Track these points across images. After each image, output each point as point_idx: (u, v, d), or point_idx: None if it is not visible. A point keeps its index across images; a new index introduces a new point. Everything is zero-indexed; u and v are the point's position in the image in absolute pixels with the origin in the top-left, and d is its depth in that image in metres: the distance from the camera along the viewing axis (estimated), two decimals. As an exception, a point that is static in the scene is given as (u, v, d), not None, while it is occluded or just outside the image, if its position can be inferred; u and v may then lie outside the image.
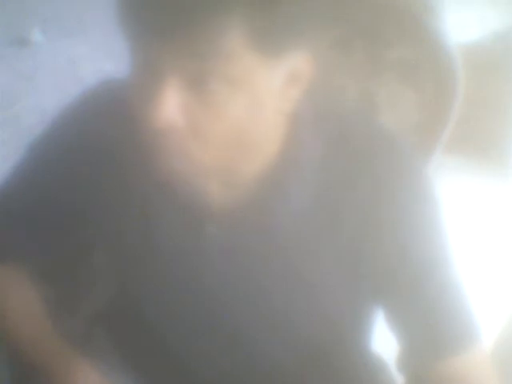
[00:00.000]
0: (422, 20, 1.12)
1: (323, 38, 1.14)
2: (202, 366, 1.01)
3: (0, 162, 1.08)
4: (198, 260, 0.95)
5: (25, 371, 0.98)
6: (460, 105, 1.13)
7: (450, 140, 1.16)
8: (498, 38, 2.08)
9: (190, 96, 0.80)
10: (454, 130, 1.15)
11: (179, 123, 0.80)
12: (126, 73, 0.85)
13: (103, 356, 0.98)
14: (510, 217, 1.87)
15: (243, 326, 0.97)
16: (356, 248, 0.92)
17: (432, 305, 0.93)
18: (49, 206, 1.00)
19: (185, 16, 0.75)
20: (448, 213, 0.96)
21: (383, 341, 1.05)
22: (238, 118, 0.81)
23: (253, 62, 0.79)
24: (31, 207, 1.01)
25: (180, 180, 0.86)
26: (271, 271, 0.94)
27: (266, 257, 0.93)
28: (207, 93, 0.79)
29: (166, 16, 0.75)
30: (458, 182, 1.92)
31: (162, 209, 0.94)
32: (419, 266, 0.93)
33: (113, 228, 0.98)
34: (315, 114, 0.91)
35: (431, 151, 1.17)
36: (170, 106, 0.79)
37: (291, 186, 0.90)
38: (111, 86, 0.99)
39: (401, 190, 0.92)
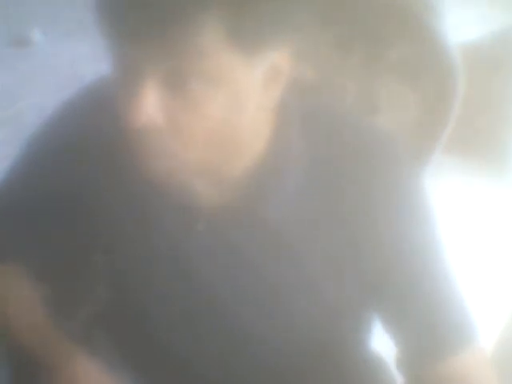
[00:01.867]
0: (422, 20, 1.12)
1: (323, 38, 1.14)
2: (203, 365, 1.01)
3: (0, 162, 1.08)
4: (193, 259, 0.95)
5: (26, 369, 0.98)
6: (460, 105, 1.13)
7: (450, 140, 1.16)
8: (497, 38, 2.08)
9: (170, 95, 0.80)
10: (453, 130, 1.15)
11: (159, 123, 0.80)
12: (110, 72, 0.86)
13: (103, 356, 0.98)
14: (509, 217, 1.87)
15: (243, 324, 0.97)
16: (347, 247, 0.92)
17: (428, 305, 0.93)
18: (47, 204, 1.00)
19: (161, 15, 0.75)
20: (447, 213, 0.96)
21: (383, 340, 1.05)
22: (218, 115, 0.81)
23: (231, 60, 0.79)
24: (30, 206, 1.01)
25: (168, 179, 0.87)
26: (262, 268, 0.94)
27: (255, 253, 0.93)
28: (187, 92, 0.79)
29: (142, 15, 0.75)
30: (458, 182, 1.92)
31: (154, 208, 0.94)
32: (412, 265, 0.93)
33: (110, 226, 0.98)
34: (303, 112, 0.91)
35: (431, 151, 1.16)
36: (149, 105, 0.79)
37: (279, 182, 0.90)
38: (105, 84, 0.99)
39: (390, 188, 0.92)
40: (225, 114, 0.81)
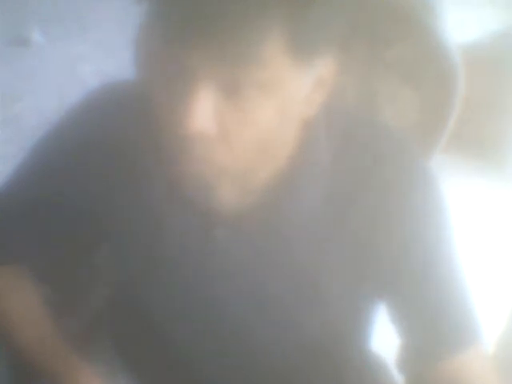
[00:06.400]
0: (421, 20, 1.12)
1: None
2: (205, 365, 1.01)
3: (0, 162, 1.07)
4: (206, 262, 0.95)
5: (26, 373, 0.98)
6: (460, 105, 1.13)
7: (450, 140, 1.16)
8: (497, 38, 2.08)
9: (222, 101, 0.79)
10: (453, 129, 1.15)
11: (209, 128, 0.79)
12: (126, 73, 0.85)
13: (105, 356, 0.98)
14: (510, 216, 1.87)
15: (249, 326, 0.97)
16: (363, 247, 0.92)
17: (435, 303, 0.94)
18: (51, 207, 1.00)
19: (224, 22, 0.74)
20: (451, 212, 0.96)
21: (383, 341, 1.05)
22: (266, 123, 0.81)
23: (286, 68, 0.78)
24: (34, 208, 1.01)
25: (194, 182, 0.86)
26: (280, 273, 0.94)
27: (275, 259, 0.93)
28: (240, 98, 0.79)
29: (203, 20, 0.74)
30: (457, 181, 1.92)
31: (172, 210, 0.94)
32: (424, 264, 0.93)
33: (119, 228, 0.98)
34: (327, 117, 0.91)
35: (431, 151, 1.17)
36: (203, 111, 0.78)
37: (303, 189, 0.90)
38: (114, 89, 0.98)
39: (408, 189, 0.92)
40: (273, 121, 0.81)
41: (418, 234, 0.92)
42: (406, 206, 0.91)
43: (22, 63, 2.93)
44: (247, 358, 1.00)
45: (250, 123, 0.80)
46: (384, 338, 1.02)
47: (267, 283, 0.94)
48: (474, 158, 2.01)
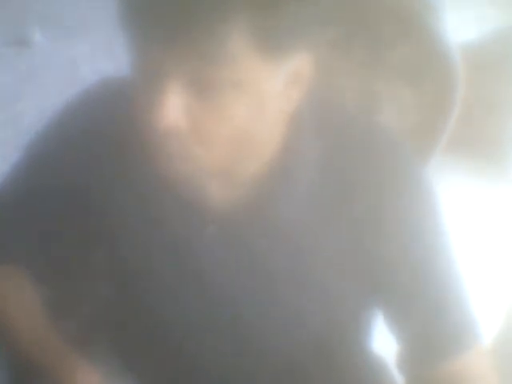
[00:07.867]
0: (422, 20, 1.13)
1: (323, 38, 1.14)
2: (206, 364, 1.01)
3: (0, 162, 1.08)
4: (200, 259, 0.95)
5: (24, 372, 0.98)
6: (460, 105, 1.13)
7: (450, 140, 1.16)
8: (497, 38, 2.08)
9: (194, 98, 0.80)
10: (453, 130, 1.15)
11: (182, 125, 0.80)
12: (125, 73, 0.85)
13: (105, 357, 0.98)
14: (509, 217, 1.87)
15: (246, 324, 0.97)
16: (356, 247, 0.92)
17: (432, 304, 0.94)
18: (49, 206, 1.00)
19: (189, 18, 0.75)
20: (449, 213, 0.96)
21: (383, 341, 1.05)
22: (240, 119, 0.81)
23: (256, 64, 0.79)
24: (31, 207, 1.01)
25: (182, 180, 0.87)
26: (272, 269, 0.94)
27: (266, 255, 0.93)
28: (210, 95, 0.79)
29: (171, 18, 0.75)
30: (457, 182, 1.92)
31: (163, 209, 0.94)
32: (420, 264, 0.93)
33: (113, 227, 0.98)
34: (314, 114, 0.91)
35: (431, 151, 1.17)
36: (173, 108, 0.79)
37: (291, 184, 0.90)
38: (110, 85, 0.99)
39: (401, 188, 0.92)
40: (247, 117, 0.82)
41: (414, 235, 0.92)
42: (400, 207, 0.91)
43: (23, 63, 2.93)
44: (248, 357, 1.01)
45: (224, 119, 0.81)
46: (384, 338, 1.02)
47: (262, 279, 0.94)
48: (473, 158, 2.01)
